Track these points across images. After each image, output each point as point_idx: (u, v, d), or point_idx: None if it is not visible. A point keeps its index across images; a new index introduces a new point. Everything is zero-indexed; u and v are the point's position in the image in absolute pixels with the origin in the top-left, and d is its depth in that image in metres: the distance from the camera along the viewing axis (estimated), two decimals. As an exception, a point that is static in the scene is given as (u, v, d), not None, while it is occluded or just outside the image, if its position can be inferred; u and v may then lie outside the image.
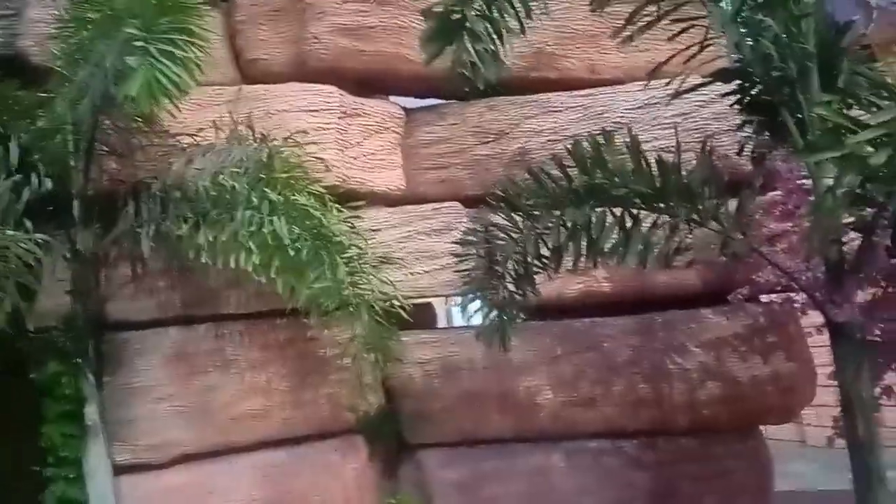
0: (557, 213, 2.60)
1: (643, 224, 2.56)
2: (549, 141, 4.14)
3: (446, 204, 4.24)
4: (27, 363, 3.46)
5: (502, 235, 2.81)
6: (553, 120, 4.23)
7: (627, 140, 2.57)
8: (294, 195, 3.47)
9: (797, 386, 3.93)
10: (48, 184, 3.19)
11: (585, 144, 2.58)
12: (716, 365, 3.90)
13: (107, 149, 3.58)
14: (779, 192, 3.45)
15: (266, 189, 3.40)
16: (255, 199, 3.35)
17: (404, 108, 4.51)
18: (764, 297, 3.94)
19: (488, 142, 4.33)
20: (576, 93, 4.28)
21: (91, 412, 3.41)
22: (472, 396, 3.95)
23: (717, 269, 3.89)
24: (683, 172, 2.57)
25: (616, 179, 2.49)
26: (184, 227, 3.36)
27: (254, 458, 3.87)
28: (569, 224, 2.57)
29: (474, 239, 2.91)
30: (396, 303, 3.72)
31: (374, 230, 3.90)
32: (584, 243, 2.56)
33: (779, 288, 3.59)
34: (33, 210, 3.09)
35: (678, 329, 3.98)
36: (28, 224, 3.00)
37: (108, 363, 3.65)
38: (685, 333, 3.96)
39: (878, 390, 3.21)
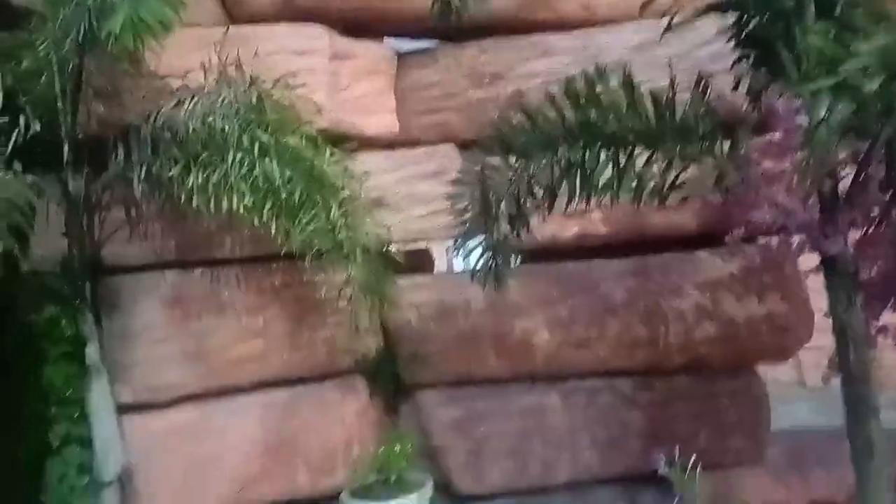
0: (550, 152, 2.57)
1: (637, 161, 2.53)
2: (544, 83, 4.03)
3: (440, 147, 4.21)
4: (21, 306, 3.48)
5: (496, 176, 2.78)
6: (548, 62, 4.16)
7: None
8: (285, 137, 3.43)
9: (792, 326, 3.95)
10: (36, 126, 3.15)
11: (579, 81, 2.53)
12: (711, 305, 3.92)
13: (95, 91, 3.53)
14: (777, 133, 3.41)
15: (257, 131, 3.37)
16: (245, 141, 3.32)
17: (397, 52, 4.45)
18: (761, 239, 3.95)
19: (483, 85, 4.26)
20: (571, 34, 4.19)
21: (92, 352, 3.45)
22: (469, 338, 3.99)
23: (713, 210, 3.89)
24: (679, 110, 2.55)
25: (610, 116, 2.45)
26: (174, 170, 3.33)
27: (254, 399, 3.94)
28: (562, 162, 2.54)
29: (468, 180, 2.88)
30: (391, 247, 3.73)
31: (367, 174, 3.87)
32: (577, 182, 2.53)
33: (775, 228, 3.57)
34: (22, 153, 3.07)
35: (674, 270, 3.98)
36: (17, 166, 2.98)
37: (106, 306, 3.68)
38: (681, 275, 3.97)
39: (873, 330, 3.23)
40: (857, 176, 2.32)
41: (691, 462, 2.23)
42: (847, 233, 2.44)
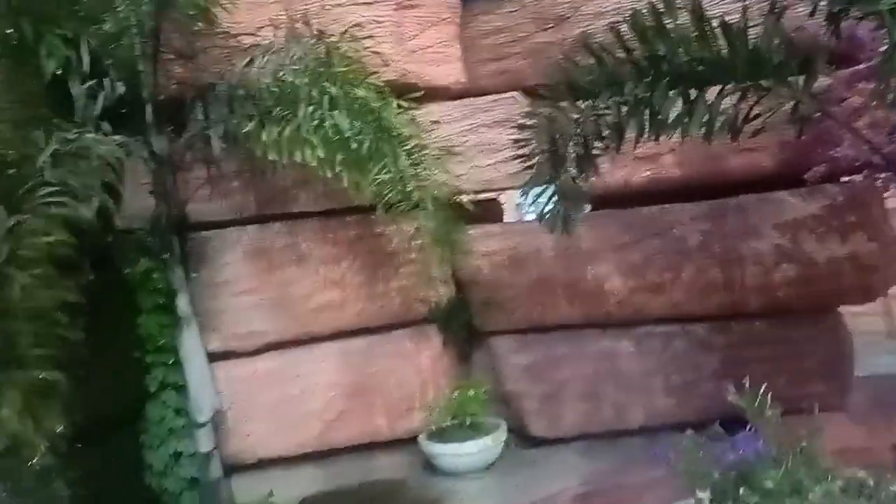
0: (617, 90, 2.52)
1: (708, 97, 2.46)
2: (611, 24, 3.95)
3: (507, 95, 4.19)
4: (117, 260, 3.70)
5: (562, 119, 2.76)
6: (615, 0, 4.04)
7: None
8: (353, 89, 3.49)
9: (879, 266, 3.78)
10: (121, 88, 3.31)
11: (646, 15, 2.46)
12: (791, 247, 3.79)
13: (172, 53, 3.66)
14: (861, 65, 3.22)
15: (326, 84, 3.43)
16: (315, 95, 3.39)
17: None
18: (844, 178, 3.78)
19: (548, 28, 4.20)
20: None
21: (182, 303, 3.66)
22: (540, 285, 4.01)
23: (792, 149, 3.74)
24: (752, 42, 2.45)
25: (679, 49, 2.39)
26: (249, 126, 3.44)
27: (333, 347, 4.10)
28: (630, 101, 2.50)
29: (534, 125, 2.86)
30: (461, 196, 3.77)
31: (435, 124, 3.91)
32: (646, 120, 2.49)
33: (859, 165, 3.41)
34: (108, 115, 3.23)
35: (751, 212, 3.87)
36: (106, 127, 3.15)
37: (193, 261, 3.88)
38: (759, 216, 3.85)
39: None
40: None
41: (763, 395, 2.19)
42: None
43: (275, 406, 3.95)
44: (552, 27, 4.20)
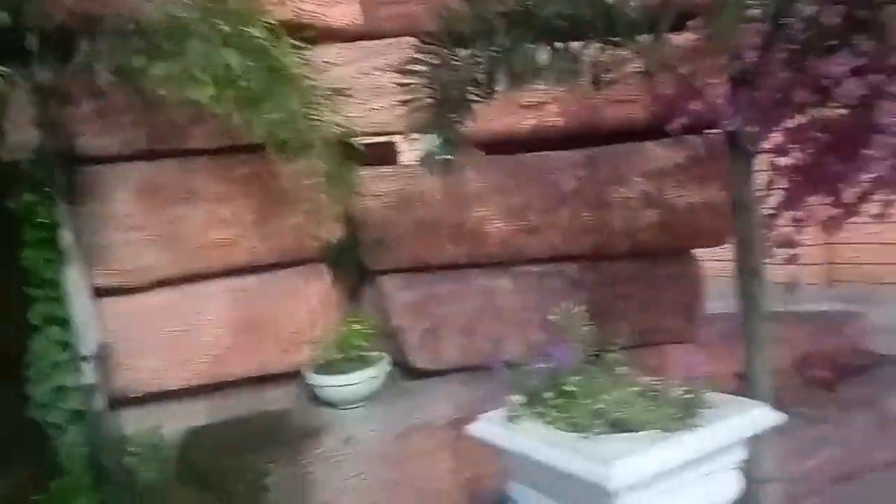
0: (490, 40, 2.71)
1: (569, 49, 2.69)
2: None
3: (403, 39, 4.30)
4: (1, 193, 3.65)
5: (442, 66, 2.93)
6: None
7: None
8: (246, 27, 3.52)
9: (728, 213, 4.20)
10: (4, 17, 3.22)
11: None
12: (654, 194, 4.16)
13: (56, -20, 3.56)
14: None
15: (217, 20, 3.45)
16: (206, 31, 3.41)
17: (361, -59, 4.46)
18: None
19: (446, -23, 4.30)
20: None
21: (66, 237, 3.65)
22: (427, 226, 4.22)
23: (662, 103, 4.06)
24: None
25: (546, 4, 2.59)
26: (137, 60, 3.42)
27: (225, 283, 4.18)
28: (500, 49, 2.69)
29: (416, 70, 3.02)
30: (354, 138, 3.90)
31: (328, 64, 3.99)
32: (514, 69, 2.69)
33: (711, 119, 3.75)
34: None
35: (622, 161, 4.20)
36: (-14, 55, 3.08)
37: (80, 194, 3.86)
38: (628, 165, 4.19)
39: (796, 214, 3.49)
40: (760, 56, 2.50)
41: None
42: (746, 109, 2.64)
43: (164, 341, 4.02)
44: (449, -24, 4.31)
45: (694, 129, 3.98)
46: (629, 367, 2.46)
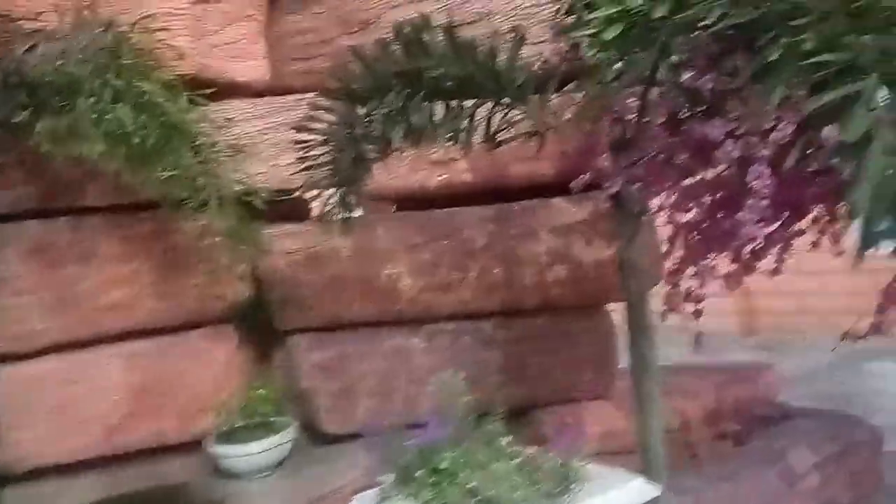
0: (382, 98, 2.69)
1: (464, 108, 2.69)
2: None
3: (311, 95, 4.25)
4: None
5: (338, 123, 2.89)
6: (417, 10, 4.21)
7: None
8: (140, 83, 3.42)
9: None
10: None
11: (407, 28, 2.64)
12: (563, 249, 4.18)
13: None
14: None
15: (110, 76, 3.34)
16: (97, 87, 3.30)
17: (270, -4, 4.45)
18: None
19: (353, 32, 4.30)
20: (443, -17, 4.29)
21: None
22: (337, 283, 4.12)
23: (569, 159, 4.12)
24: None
25: (436, 65, 2.59)
26: (23, 115, 3.28)
27: (122, 347, 3.97)
28: (393, 108, 2.67)
29: (314, 126, 2.97)
30: (257, 194, 3.80)
31: (233, 120, 3.91)
32: (407, 128, 2.67)
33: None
34: None
35: (530, 217, 4.21)
36: None
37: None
38: (537, 220, 4.20)
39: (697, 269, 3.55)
40: (637, 117, 2.56)
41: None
42: (628, 170, 2.68)
43: (54, 411, 3.77)
44: (357, 31, 4.31)
45: (598, 185, 4.06)
46: (512, 436, 2.38)
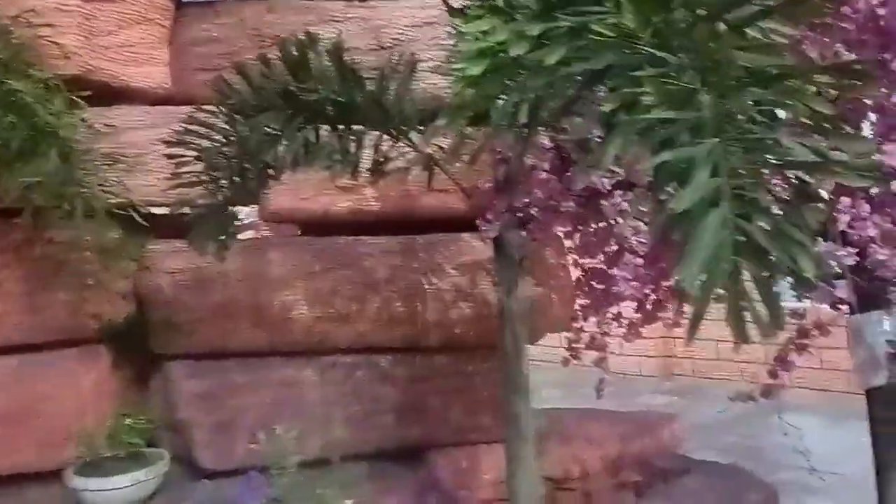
0: (257, 116, 2.49)
1: (345, 135, 2.51)
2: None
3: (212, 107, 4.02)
4: None
5: (217, 137, 2.67)
6: (331, 29, 4.06)
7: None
8: (11, 80, 3.14)
9: (545, 309, 4.12)
10: None
11: (292, 46, 2.46)
12: (470, 286, 4.01)
13: None
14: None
15: (-25, 71, 3.06)
16: (-43, 81, 3.01)
17: (180, 1, 4.21)
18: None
19: (265, 46, 4.09)
20: (357, 3, 4.13)
21: None
22: (225, 308, 3.86)
23: (482, 194, 3.97)
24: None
25: (319, 87, 2.40)
26: None
27: (-20, 365, 3.63)
28: (267, 129, 2.47)
29: (188, 141, 2.74)
30: (139, 208, 3.53)
31: (119, 127, 3.64)
32: (279, 150, 2.47)
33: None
34: None
35: (437, 251, 4.04)
36: None
37: None
38: (443, 255, 4.03)
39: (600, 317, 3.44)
40: (516, 161, 2.43)
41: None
42: (504, 215, 2.55)
43: None
44: (270, 46, 4.09)
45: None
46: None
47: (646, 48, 1.23)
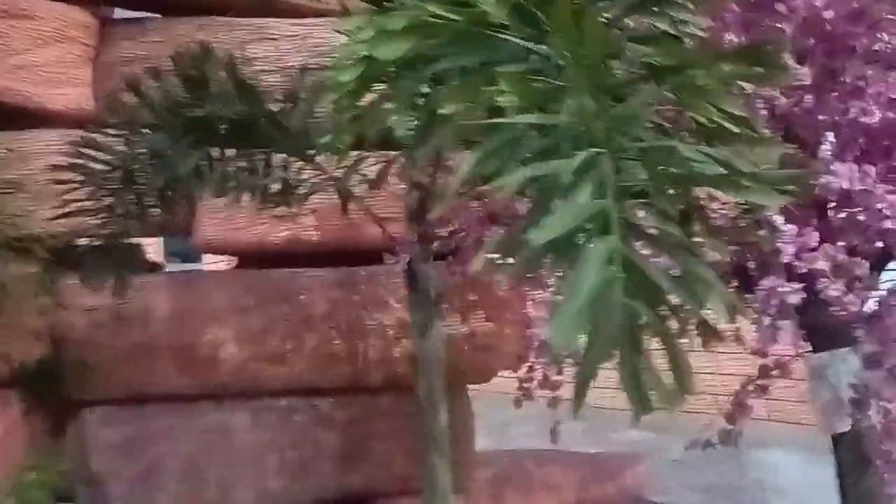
0: (144, 136, 2.22)
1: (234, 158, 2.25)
2: (261, 71, 3.75)
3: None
4: None
5: (108, 159, 2.40)
6: (266, 47, 3.84)
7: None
8: None
9: (497, 346, 3.84)
10: None
11: (186, 59, 2.20)
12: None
13: None
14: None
15: None
16: None
17: (104, 20, 3.97)
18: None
19: (196, 66, 3.86)
20: (294, 21, 3.90)
21: None
22: (145, 349, 3.55)
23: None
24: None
25: (214, 103, 2.14)
26: None
27: None
28: (157, 151, 2.20)
29: (84, 163, 2.47)
30: (43, 241, 3.24)
31: (27, 152, 3.37)
32: (165, 172, 2.20)
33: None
34: None
35: (381, 283, 3.76)
36: None
37: None
38: (387, 288, 3.75)
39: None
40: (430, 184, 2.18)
41: None
42: (420, 248, 2.30)
43: None
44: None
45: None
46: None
47: (508, 36, 0.98)
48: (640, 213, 0.96)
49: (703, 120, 0.92)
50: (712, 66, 0.91)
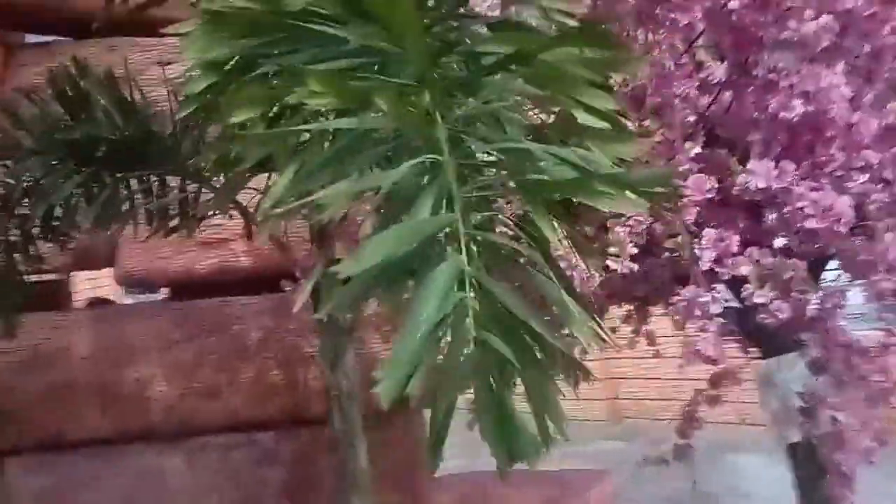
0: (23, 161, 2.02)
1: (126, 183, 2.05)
2: (172, 91, 3.58)
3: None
4: None
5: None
6: (180, 67, 3.64)
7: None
8: None
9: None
10: None
11: (62, 78, 2.01)
12: (357, 346, 3.53)
13: None
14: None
15: None
16: None
17: (8, 45, 3.75)
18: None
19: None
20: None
21: None
22: (66, 391, 3.31)
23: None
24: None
25: (91, 126, 1.95)
26: None
27: None
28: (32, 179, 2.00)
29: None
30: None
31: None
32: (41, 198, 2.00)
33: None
34: None
35: (318, 308, 3.57)
36: None
37: None
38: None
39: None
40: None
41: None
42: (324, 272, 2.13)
43: None
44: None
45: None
46: None
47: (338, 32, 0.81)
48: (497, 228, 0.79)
49: (559, 115, 0.76)
50: (553, 48, 0.75)
